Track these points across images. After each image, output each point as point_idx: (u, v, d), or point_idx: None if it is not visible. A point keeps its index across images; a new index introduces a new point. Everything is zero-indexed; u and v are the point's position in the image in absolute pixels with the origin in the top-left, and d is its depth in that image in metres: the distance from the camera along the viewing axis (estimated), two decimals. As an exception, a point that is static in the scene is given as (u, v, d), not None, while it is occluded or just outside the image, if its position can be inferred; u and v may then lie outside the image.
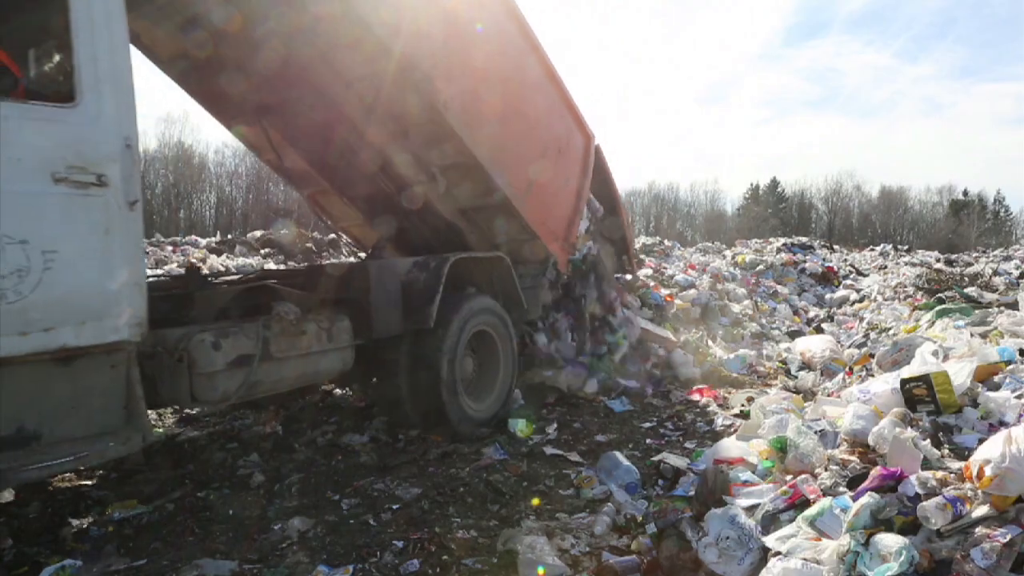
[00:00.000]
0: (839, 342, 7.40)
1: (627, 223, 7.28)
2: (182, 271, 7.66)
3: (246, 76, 4.57)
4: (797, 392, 5.50)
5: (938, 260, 14.95)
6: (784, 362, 7.07)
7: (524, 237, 5.38)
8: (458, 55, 4.46)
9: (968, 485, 2.23)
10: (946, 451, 2.63)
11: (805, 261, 13.81)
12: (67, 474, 3.99)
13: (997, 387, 3.07)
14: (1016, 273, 10.95)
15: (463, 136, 4.46)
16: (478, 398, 4.85)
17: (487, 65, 4.75)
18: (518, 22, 5.02)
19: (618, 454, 4.03)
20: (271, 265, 10.15)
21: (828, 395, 4.38)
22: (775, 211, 54.66)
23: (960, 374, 3.02)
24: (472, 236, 5.38)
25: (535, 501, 3.59)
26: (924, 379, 2.94)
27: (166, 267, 8.33)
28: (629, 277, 7.77)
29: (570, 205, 5.77)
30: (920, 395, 2.93)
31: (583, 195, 5.92)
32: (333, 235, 10.33)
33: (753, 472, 3.02)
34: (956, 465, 2.43)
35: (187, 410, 5.03)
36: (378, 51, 4.02)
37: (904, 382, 3.00)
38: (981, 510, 2.12)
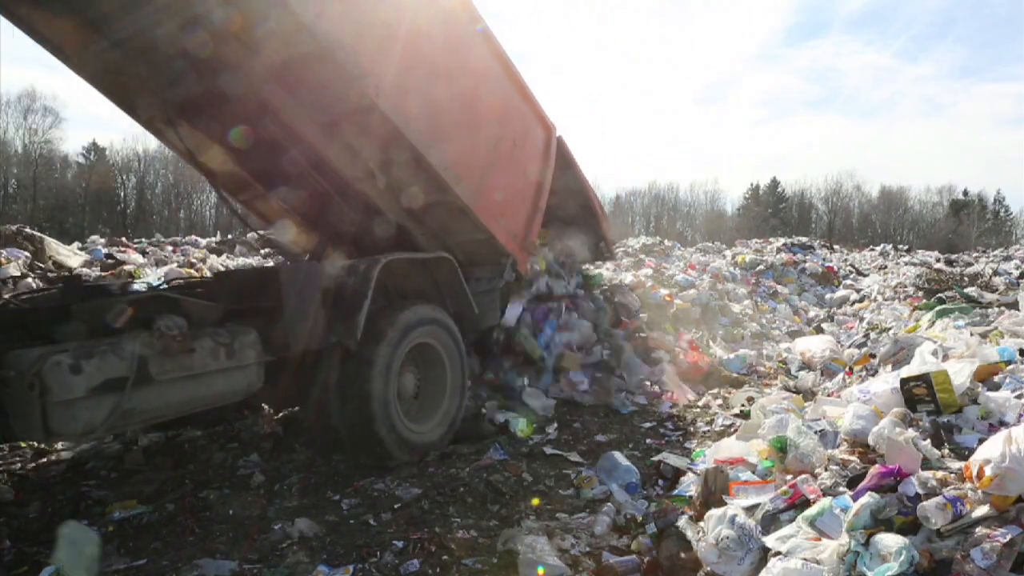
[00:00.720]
0: (839, 342, 7.42)
1: (598, 205, 6.91)
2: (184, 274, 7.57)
3: (159, 71, 4.01)
4: (797, 392, 5.50)
5: (938, 260, 14.94)
6: (784, 362, 7.08)
7: (479, 237, 4.92)
8: (388, 33, 3.98)
9: (968, 485, 2.24)
10: (946, 451, 2.63)
11: (805, 261, 13.82)
12: (67, 474, 4.01)
13: (997, 387, 3.08)
14: (1016, 273, 10.96)
15: (399, 125, 4.01)
16: (421, 420, 4.34)
17: (425, 47, 4.25)
18: (465, 5, 4.57)
19: (618, 454, 4.04)
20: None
21: (828, 395, 4.39)
22: (775, 211, 54.68)
23: (960, 374, 3.02)
24: (422, 237, 4.89)
25: (535, 501, 3.59)
26: (924, 378, 2.95)
27: (165, 267, 8.22)
28: (609, 266, 7.71)
29: (529, 202, 5.38)
30: (920, 394, 2.94)
31: (544, 191, 5.51)
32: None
33: (753, 472, 3.03)
34: (956, 465, 2.44)
35: (45, 445, 4.33)
36: (298, 31, 3.55)
37: (904, 381, 3.01)
38: (981, 510, 2.13)
